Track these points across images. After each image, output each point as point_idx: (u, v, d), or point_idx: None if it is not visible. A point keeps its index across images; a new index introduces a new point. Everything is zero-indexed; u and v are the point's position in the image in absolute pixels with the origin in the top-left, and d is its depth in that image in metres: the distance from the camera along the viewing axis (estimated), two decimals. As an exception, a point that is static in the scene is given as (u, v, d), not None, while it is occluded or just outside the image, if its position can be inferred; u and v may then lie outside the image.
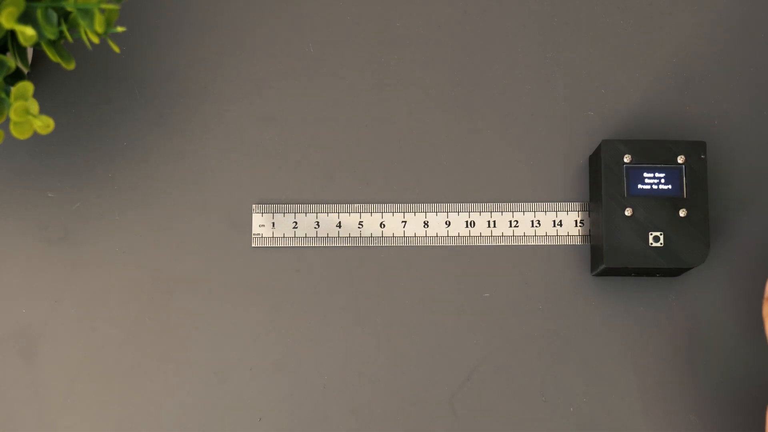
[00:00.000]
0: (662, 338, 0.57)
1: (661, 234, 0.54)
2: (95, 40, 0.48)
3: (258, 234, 0.58)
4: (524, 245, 0.58)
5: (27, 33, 0.46)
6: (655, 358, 0.57)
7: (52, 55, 0.49)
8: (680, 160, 0.55)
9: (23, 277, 0.57)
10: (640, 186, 0.55)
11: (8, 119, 0.48)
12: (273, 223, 0.58)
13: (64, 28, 0.48)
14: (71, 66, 0.50)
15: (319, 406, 0.57)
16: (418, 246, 0.58)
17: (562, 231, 0.58)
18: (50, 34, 0.48)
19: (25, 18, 0.48)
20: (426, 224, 0.58)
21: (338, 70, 0.60)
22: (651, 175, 0.55)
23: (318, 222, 0.58)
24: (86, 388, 0.57)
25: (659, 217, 0.54)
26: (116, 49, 0.48)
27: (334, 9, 0.60)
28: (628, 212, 0.54)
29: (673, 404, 0.57)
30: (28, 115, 0.48)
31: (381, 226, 0.58)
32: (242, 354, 0.57)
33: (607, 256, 0.54)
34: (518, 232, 0.58)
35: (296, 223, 0.58)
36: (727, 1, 0.61)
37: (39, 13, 0.47)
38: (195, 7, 0.60)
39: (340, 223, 0.58)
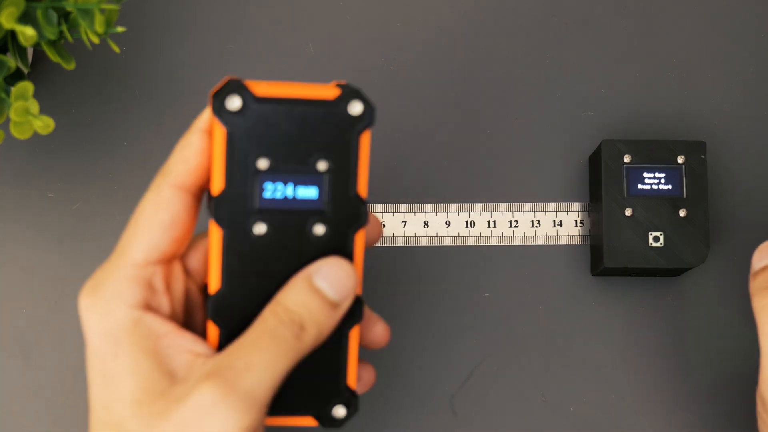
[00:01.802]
0: (662, 338, 0.57)
1: (661, 234, 0.54)
2: (95, 40, 0.48)
3: (258, 234, 0.58)
4: (524, 245, 0.58)
5: (27, 33, 0.46)
6: (655, 358, 0.57)
7: (52, 55, 0.49)
8: (680, 160, 0.55)
9: (23, 277, 0.57)
10: (640, 186, 0.55)
11: (8, 119, 0.48)
12: (273, 223, 0.58)
13: (64, 28, 0.48)
14: (71, 66, 0.50)
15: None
16: (418, 246, 0.58)
17: (562, 231, 0.58)
18: (50, 34, 0.48)
19: (25, 18, 0.48)
20: (426, 224, 0.58)
21: (338, 70, 0.60)
22: (651, 175, 0.55)
23: (318, 222, 0.58)
24: (86, 388, 0.57)
25: (659, 217, 0.54)
26: (116, 49, 0.48)
27: (334, 9, 0.60)
28: (628, 212, 0.54)
29: (672, 404, 0.57)
30: (28, 115, 0.48)
31: (381, 226, 0.58)
32: (242, 354, 0.57)
33: (607, 256, 0.54)
34: (518, 232, 0.58)
35: (296, 223, 0.58)
36: (727, 1, 0.61)
37: (39, 13, 0.47)
38: (195, 7, 0.60)
39: (340, 223, 0.58)
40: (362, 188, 0.40)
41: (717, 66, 0.60)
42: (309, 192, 0.39)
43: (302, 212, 0.39)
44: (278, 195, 0.39)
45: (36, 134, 0.58)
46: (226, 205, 0.39)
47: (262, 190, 0.39)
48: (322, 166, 0.39)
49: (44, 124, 0.48)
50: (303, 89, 0.39)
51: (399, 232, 0.58)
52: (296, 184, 0.39)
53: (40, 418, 0.56)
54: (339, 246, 0.40)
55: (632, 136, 0.59)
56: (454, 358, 0.57)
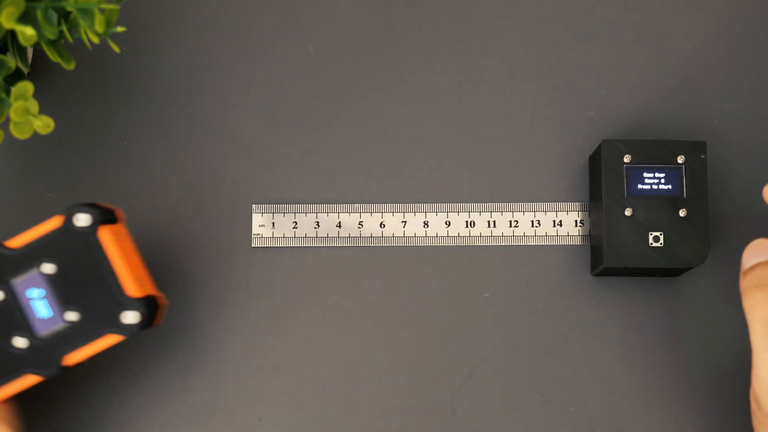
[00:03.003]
0: (662, 338, 0.57)
1: (661, 234, 0.54)
2: (95, 40, 0.48)
3: (258, 234, 0.58)
4: (524, 245, 0.58)
5: (27, 33, 0.46)
6: (655, 358, 0.57)
7: (52, 55, 0.49)
8: (680, 160, 0.55)
9: (23, 277, 0.57)
10: (640, 186, 0.55)
11: (8, 119, 0.48)
12: (273, 223, 0.58)
13: (64, 28, 0.48)
14: (71, 66, 0.50)
15: (319, 406, 0.57)
16: (418, 246, 0.58)
17: (562, 231, 0.58)
18: (50, 34, 0.48)
19: (25, 18, 0.47)
20: (426, 224, 0.58)
21: (338, 70, 0.60)
22: (651, 175, 0.55)
23: (318, 222, 0.58)
24: (85, 387, 0.57)
25: (659, 217, 0.54)
26: (116, 49, 0.48)
27: (334, 9, 0.60)
28: (628, 212, 0.54)
29: (672, 405, 0.57)
30: (28, 115, 0.48)
31: (381, 226, 0.58)
32: (242, 354, 0.57)
33: (607, 256, 0.54)
34: (518, 232, 0.58)
35: (296, 223, 0.58)
36: (727, 1, 0.61)
37: (39, 13, 0.47)
38: (195, 7, 0.60)
39: (340, 223, 0.58)
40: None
41: (717, 66, 0.60)
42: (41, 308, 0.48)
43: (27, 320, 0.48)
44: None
45: (36, 134, 0.58)
46: None
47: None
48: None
49: (44, 124, 0.48)
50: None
51: (399, 232, 0.58)
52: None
53: (41, 418, 0.56)
54: (6, 371, 0.49)
55: (632, 136, 0.59)
56: (454, 358, 0.57)
